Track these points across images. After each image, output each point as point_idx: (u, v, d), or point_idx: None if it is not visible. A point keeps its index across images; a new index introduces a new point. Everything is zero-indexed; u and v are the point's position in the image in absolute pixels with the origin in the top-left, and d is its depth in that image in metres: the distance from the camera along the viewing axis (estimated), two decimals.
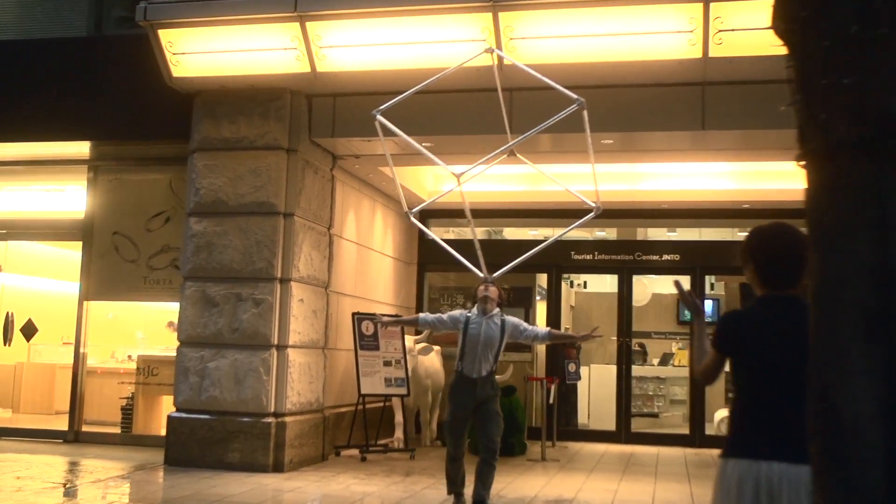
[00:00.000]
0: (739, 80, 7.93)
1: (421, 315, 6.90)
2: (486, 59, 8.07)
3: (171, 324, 10.61)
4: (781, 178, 11.13)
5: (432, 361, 11.01)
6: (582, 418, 12.91)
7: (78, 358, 10.10)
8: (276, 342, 8.47)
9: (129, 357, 11.43)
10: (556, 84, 6.45)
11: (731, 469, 2.71)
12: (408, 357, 10.21)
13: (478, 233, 13.65)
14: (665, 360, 14.93)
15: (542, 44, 7.88)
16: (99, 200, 10.16)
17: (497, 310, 6.60)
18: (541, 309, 13.05)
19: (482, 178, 11.93)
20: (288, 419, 8.46)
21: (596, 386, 13.10)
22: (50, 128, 9.57)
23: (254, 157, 8.70)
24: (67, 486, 7.43)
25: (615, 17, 7.66)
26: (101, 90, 9.47)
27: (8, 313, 12.55)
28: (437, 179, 12.18)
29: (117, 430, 10.43)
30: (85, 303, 10.12)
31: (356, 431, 9.73)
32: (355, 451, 9.63)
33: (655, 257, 12.26)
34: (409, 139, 6.73)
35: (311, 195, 9.03)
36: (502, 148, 6.67)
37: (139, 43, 9.56)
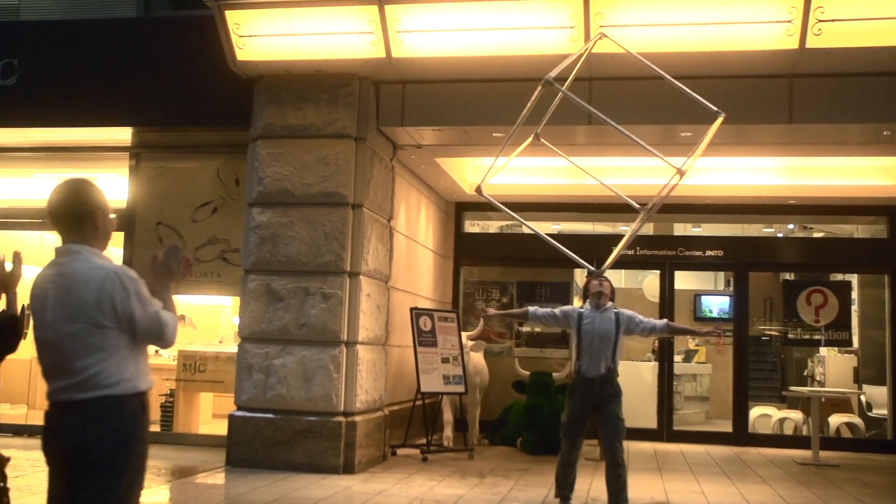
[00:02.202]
0: (831, 73, 7.77)
1: (530, 308, 6.63)
2: (567, 47, 7.84)
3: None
4: (828, 175, 11.03)
5: (479, 358, 10.75)
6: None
7: None
8: (345, 338, 8.15)
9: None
10: (694, 93, 6.25)
11: None
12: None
13: (494, 227, 13.54)
14: (689, 356, 14.82)
15: (631, 32, 7.63)
16: (141, 189, 9.73)
17: (610, 304, 6.36)
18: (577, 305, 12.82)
19: (520, 171, 11.72)
20: (358, 418, 8.14)
21: (631, 382, 12.90)
22: (94, 113, 9.11)
23: (321, 145, 8.35)
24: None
25: (711, 5, 7.45)
26: (149, 74, 9.04)
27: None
28: (476, 171, 11.89)
29: (156, 429, 10.04)
30: None
31: (409, 430, 9.45)
32: (410, 451, 9.35)
33: (699, 253, 12.10)
34: (624, 130, 6.31)
35: (377, 186, 8.71)
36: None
37: (189, 25, 9.21)
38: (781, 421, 12.16)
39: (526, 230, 13.33)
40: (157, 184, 9.75)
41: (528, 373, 10.37)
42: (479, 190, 6.19)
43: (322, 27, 8.04)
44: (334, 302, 8.12)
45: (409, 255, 10.33)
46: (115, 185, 10.06)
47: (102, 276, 2.98)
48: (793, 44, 7.38)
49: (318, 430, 7.99)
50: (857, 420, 11.63)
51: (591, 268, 6.37)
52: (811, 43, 7.35)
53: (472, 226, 13.09)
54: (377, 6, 7.73)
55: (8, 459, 3.59)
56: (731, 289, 16.15)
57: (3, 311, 3.32)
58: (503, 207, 6.58)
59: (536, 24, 7.72)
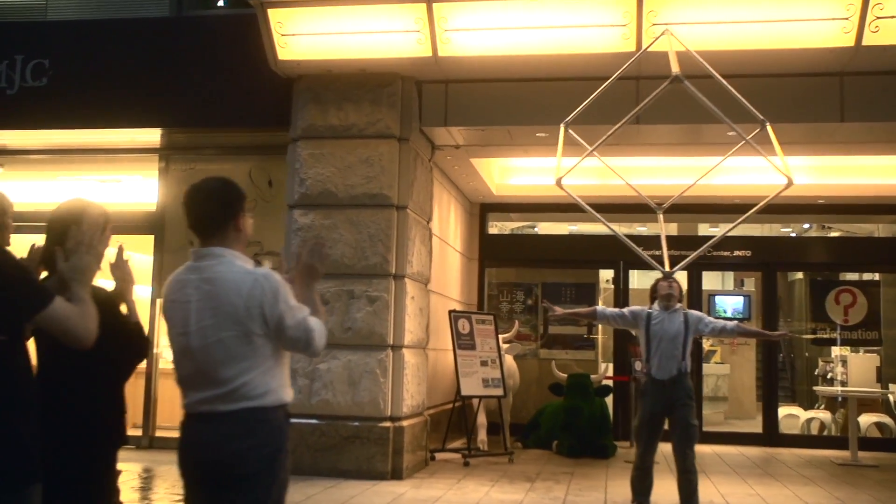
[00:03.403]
0: (883, 70, 7.71)
1: (598, 308, 6.53)
2: (619, 46, 7.74)
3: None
4: (857, 174, 11.00)
5: (511, 360, 10.64)
6: None
7: (151, 360, 9.48)
8: (391, 342, 8.00)
9: None
10: (741, 97, 6.16)
11: None
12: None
13: (511, 227, 13.44)
14: (707, 357, 14.76)
15: (685, 30, 7.53)
16: (171, 192, 9.55)
17: (679, 305, 6.25)
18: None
19: (545, 171, 11.61)
20: (405, 423, 8.00)
21: None
22: (125, 114, 8.93)
23: (364, 145, 8.21)
24: None
25: (766, 3, 7.36)
26: (180, 74, 8.88)
27: None
28: (502, 173, 11.78)
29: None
30: (158, 301, 9.50)
31: (448, 434, 9.34)
32: (448, 455, 9.22)
33: (726, 253, 12.02)
34: (596, 153, 6.25)
35: (419, 187, 8.58)
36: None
37: (222, 24, 9.08)
38: (809, 421, 12.12)
39: (551, 231, 13.32)
40: (188, 186, 9.54)
41: (565, 375, 10.25)
42: (559, 182, 6.04)
43: (366, 26, 7.89)
44: (380, 305, 7.98)
45: (441, 257, 10.21)
46: (143, 188, 9.90)
47: (251, 282, 2.83)
48: (849, 41, 7.31)
49: (365, 436, 7.85)
50: (887, 420, 11.59)
51: (663, 269, 6.26)
52: (867, 40, 7.28)
53: (492, 227, 12.97)
54: (425, 4, 7.61)
55: (119, 473, 3.43)
56: (745, 288, 16.19)
57: (127, 315, 3.16)
58: (581, 202, 6.45)
59: (588, 23, 7.61)
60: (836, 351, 13.16)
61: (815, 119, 8.00)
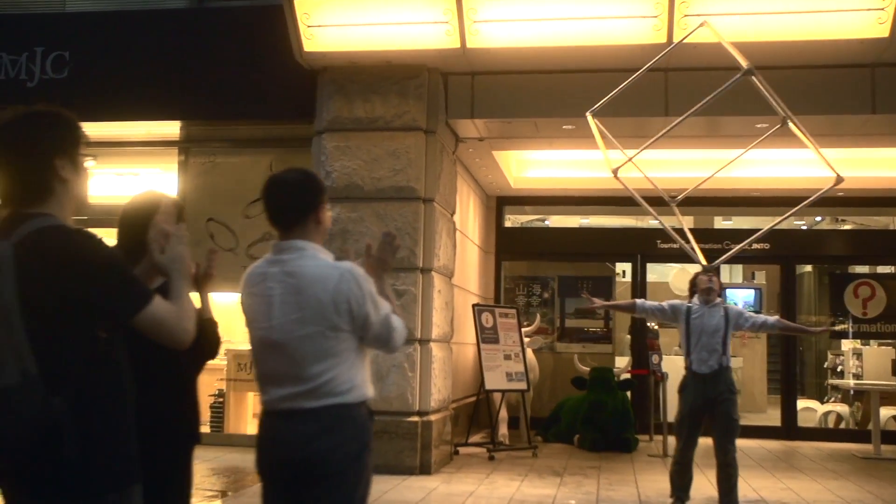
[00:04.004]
0: None
1: (638, 301, 6.48)
2: (649, 37, 7.68)
3: None
4: (878, 166, 10.95)
5: (531, 354, 10.59)
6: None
7: None
8: (419, 336, 7.95)
9: None
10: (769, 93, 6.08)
11: None
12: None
13: (521, 221, 13.37)
14: None
15: (717, 21, 7.46)
16: (191, 185, 9.46)
17: (719, 299, 6.20)
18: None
19: (563, 164, 11.57)
20: (432, 417, 7.95)
21: (675, 378, 12.78)
22: (146, 107, 8.83)
23: (391, 138, 8.13)
24: (229, 493, 6.83)
25: None
26: (201, 67, 8.78)
27: None
28: (519, 165, 11.71)
29: (206, 429, 9.80)
30: None
31: (471, 428, 9.29)
32: (471, 449, 9.18)
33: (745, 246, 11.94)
34: (614, 140, 6.18)
35: (445, 180, 8.51)
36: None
37: (243, 16, 8.98)
38: (826, 414, 12.10)
39: (567, 224, 13.26)
40: (208, 179, 9.48)
41: (587, 368, 10.21)
42: (615, 173, 5.96)
43: (393, 17, 7.83)
44: (408, 299, 7.91)
45: (461, 251, 10.14)
46: (162, 181, 9.81)
47: (338, 276, 2.77)
48: (883, 32, 7.26)
49: (393, 431, 7.79)
50: None
51: (704, 262, 6.19)
52: None
53: (507, 220, 12.92)
54: None
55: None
56: (755, 281, 16.14)
57: (201, 311, 3.08)
58: (635, 194, 6.36)
59: (619, 14, 7.54)
60: (847, 344, 13.15)
61: (845, 111, 7.96)
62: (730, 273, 16.65)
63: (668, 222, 12.91)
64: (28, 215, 2.18)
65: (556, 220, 13.54)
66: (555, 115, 8.30)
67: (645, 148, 5.61)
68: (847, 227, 13.43)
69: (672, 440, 9.84)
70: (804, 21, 7.37)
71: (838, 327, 12.06)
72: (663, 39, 7.52)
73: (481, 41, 7.75)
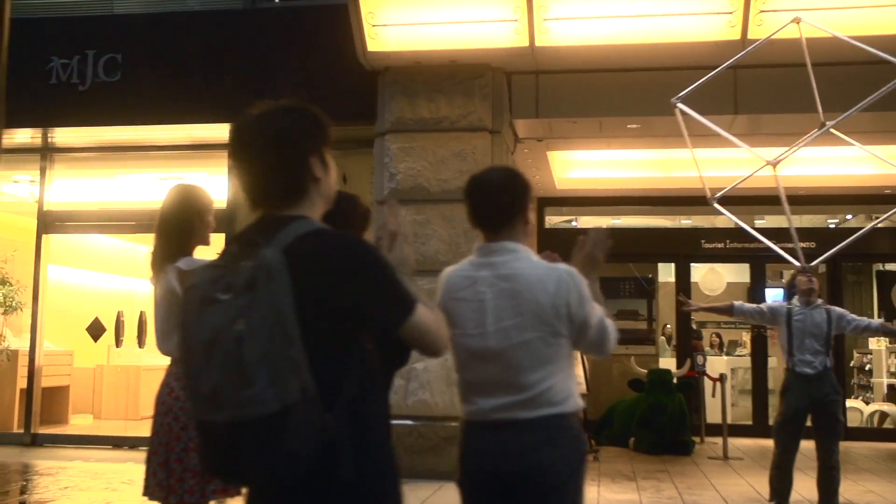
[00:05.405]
0: None
1: (736, 303, 6.37)
2: (723, 34, 7.57)
3: None
4: None
5: (579, 356, 10.46)
6: (714, 412, 12.45)
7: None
8: None
9: None
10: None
11: None
12: None
13: (553, 222, 13.24)
14: (731, 349, 14.65)
15: (785, 18, 7.36)
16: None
17: (820, 300, 6.09)
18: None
19: (602, 164, 11.45)
20: None
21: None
22: (199, 109, 8.68)
23: (456, 138, 8.00)
24: None
25: None
26: (255, 68, 8.64)
27: (141, 313, 11.72)
28: (562, 166, 11.59)
29: None
30: None
31: None
32: None
33: (790, 245, 11.85)
34: (711, 124, 6.09)
35: None
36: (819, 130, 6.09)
37: (299, 16, 8.85)
38: (872, 415, 12.01)
39: (608, 224, 13.14)
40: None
41: (645, 371, 10.09)
42: (775, 163, 5.82)
43: (460, 16, 7.70)
44: None
45: None
46: (212, 186, 9.64)
47: (557, 278, 2.63)
48: None
49: (444, 436, 7.63)
50: None
51: (799, 263, 6.09)
52: None
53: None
54: None
55: None
56: (785, 281, 16.05)
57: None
58: (737, 220, 6.28)
59: (693, 10, 7.43)
60: (873, 343, 13.07)
61: None
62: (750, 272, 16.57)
63: (700, 222, 12.82)
64: (286, 218, 2.04)
65: (581, 222, 13.41)
66: (620, 114, 8.19)
67: (798, 147, 5.52)
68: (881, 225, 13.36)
69: (732, 442, 9.84)
70: (873, 15, 7.27)
71: None
72: (737, 36, 7.43)
73: (550, 39, 7.63)
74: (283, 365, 1.82)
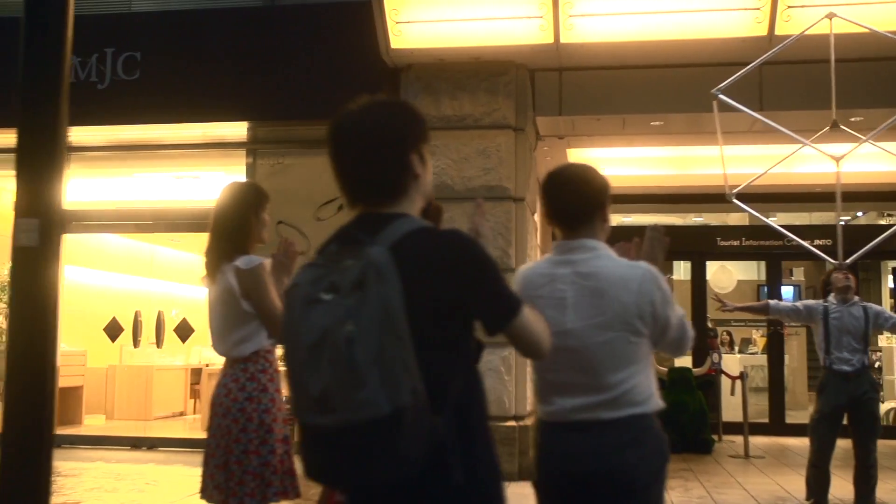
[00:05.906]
0: None
1: (772, 302, 6.33)
2: (749, 30, 7.53)
3: None
4: None
5: None
6: (730, 410, 12.41)
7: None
8: None
9: None
10: None
11: None
12: None
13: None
14: (744, 347, 14.63)
15: (817, 13, 7.32)
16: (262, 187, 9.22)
17: (856, 297, 6.06)
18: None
19: (617, 162, 11.40)
20: (528, 422, 7.77)
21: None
22: (218, 108, 8.62)
23: (480, 136, 7.95)
24: None
25: None
26: (275, 66, 8.57)
27: (159, 313, 11.68)
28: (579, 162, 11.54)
29: None
30: None
31: None
32: None
33: (806, 242, 11.81)
34: (759, 115, 6.06)
35: (533, 178, 8.33)
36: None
37: (318, 14, 8.77)
38: (887, 413, 11.99)
39: (619, 222, 13.09)
40: (277, 181, 9.23)
41: (665, 369, 10.05)
42: (839, 158, 5.77)
43: (484, 12, 7.65)
44: None
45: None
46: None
47: (639, 276, 2.59)
48: None
49: None
50: None
51: (834, 261, 6.05)
52: None
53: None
54: None
55: None
56: (794, 278, 16.05)
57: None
58: (757, 214, 6.23)
59: (720, 6, 7.39)
60: (883, 341, 13.06)
61: None
62: (758, 270, 16.55)
63: (713, 220, 12.75)
64: (388, 216, 1.99)
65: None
66: (644, 112, 8.15)
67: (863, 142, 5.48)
68: (883, 221, 13.37)
69: (753, 440, 9.80)
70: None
71: None
72: (764, 32, 7.39)
73: (576, 36, 7.59)
74: (394, 366, 1.77)
